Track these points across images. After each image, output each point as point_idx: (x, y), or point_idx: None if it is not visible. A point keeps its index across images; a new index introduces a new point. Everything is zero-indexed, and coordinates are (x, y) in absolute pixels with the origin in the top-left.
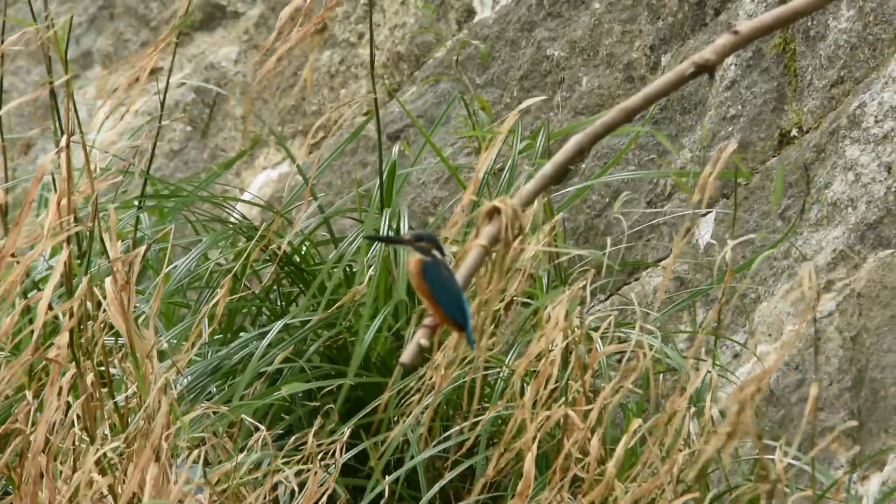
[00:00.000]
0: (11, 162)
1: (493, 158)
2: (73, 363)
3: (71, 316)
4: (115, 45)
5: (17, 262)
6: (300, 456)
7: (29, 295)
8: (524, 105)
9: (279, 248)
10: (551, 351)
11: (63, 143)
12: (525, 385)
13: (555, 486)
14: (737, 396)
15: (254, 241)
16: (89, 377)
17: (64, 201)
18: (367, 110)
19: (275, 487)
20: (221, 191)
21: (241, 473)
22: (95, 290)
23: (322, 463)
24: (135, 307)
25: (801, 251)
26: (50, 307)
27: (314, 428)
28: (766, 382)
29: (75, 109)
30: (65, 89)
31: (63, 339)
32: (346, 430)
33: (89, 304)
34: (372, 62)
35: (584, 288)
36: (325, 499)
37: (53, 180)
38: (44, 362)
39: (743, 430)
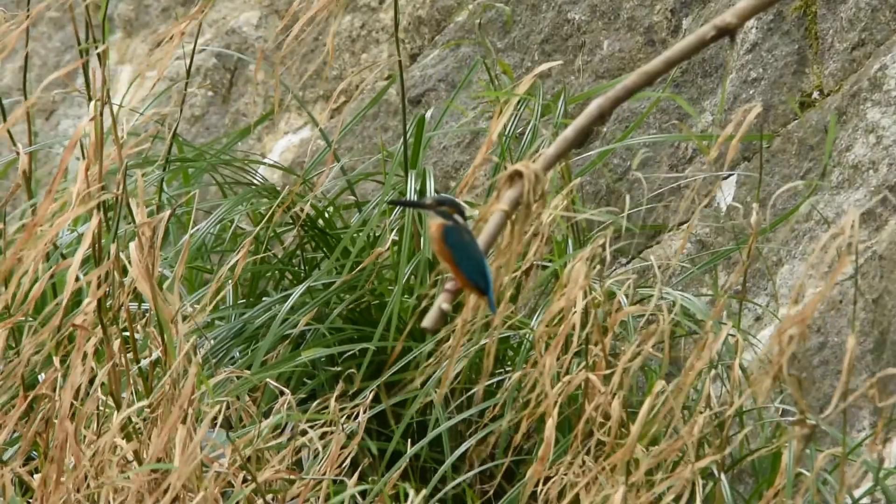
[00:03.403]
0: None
1: (508, 120)
2: (101, 329)
3: (99, 284)
4: (137, 11)
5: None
6: (323, 420)
7: (52, 262)
8: (541, 68)
9: (301, 210)
10: (573, 313)
11: (92, 109)
12: (549, 347)
13: (576, 450)
14: (777, 338)
15: (276, 202)
16: (116, 343)
17: (92, 169)
18: (389, 74)
19: (298, 451)
20: (244, 156)
21: (264, 437)
22: (121, 255)
23: (345, 426)
24: (158, 272)
25: (822, 214)
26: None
27: (336, 392)
28: (805, 324)
29: (104, 78)
30: (90, 55)
31: (90, 305)
32: (370, 394)
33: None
34: (396, 24)
35: (603, 247)
36: (348, 461)
37: (81, 147)
38: (69, 329)
39: (782, 375)
